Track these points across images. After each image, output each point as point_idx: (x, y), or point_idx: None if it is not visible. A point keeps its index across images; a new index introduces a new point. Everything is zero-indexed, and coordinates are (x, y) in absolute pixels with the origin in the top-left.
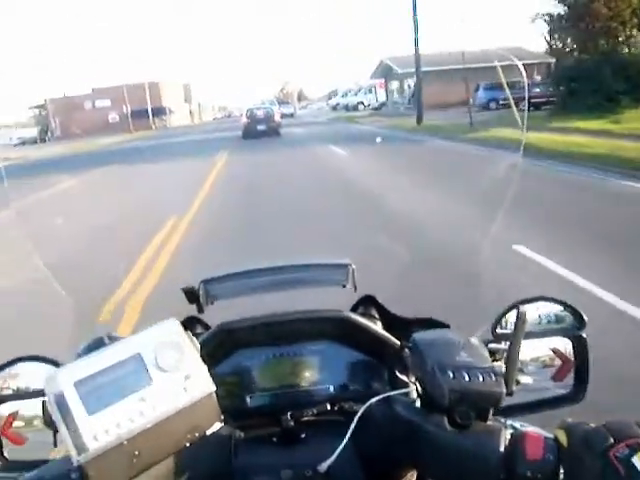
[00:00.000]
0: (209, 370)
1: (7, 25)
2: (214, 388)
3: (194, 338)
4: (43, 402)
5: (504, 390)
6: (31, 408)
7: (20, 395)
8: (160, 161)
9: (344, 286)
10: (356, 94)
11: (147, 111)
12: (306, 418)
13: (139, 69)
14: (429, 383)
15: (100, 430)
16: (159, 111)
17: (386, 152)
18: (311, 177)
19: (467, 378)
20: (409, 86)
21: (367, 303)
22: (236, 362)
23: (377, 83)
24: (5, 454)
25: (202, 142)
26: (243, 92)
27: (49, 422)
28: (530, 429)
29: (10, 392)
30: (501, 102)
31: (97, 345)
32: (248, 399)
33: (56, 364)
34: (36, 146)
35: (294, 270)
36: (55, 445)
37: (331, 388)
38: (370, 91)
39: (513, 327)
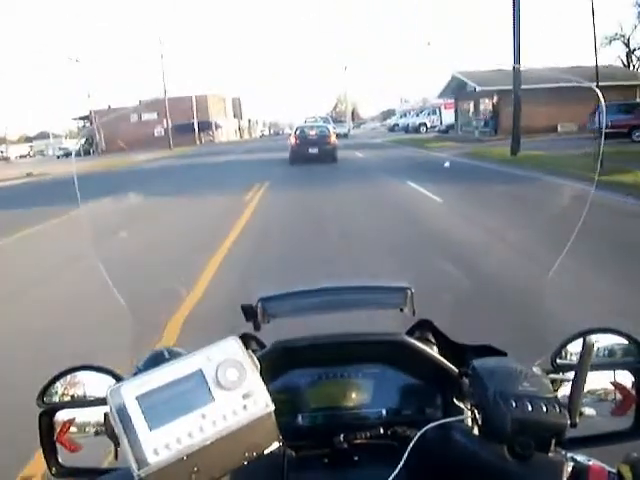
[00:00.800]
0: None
1: (59, 31)
2: (273, 407)
3: (254, 356)
4: (105, 414)
5: (568, 421)
6: (87, 416)
7: (77, 403)
8: (171, 197)
9: (402, 310)
10: (418, 115)
11: (192, 125)
12: (359, 441)
13: (189, 82)
14: (490, 411)
15: (161, 445)
16: (205, 126)
17: (493, 197)
18: (388, 239)
19: (530, 408)
20: (492, 106)
21: (424, 327)
22: (290, 380)
23: (442, 103)
24: (60, 460)
25: (240, 166)
26: (295, 109)
27: (111, 434)
28: (593, 463)
29: (67, 400)
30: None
31: (157, 359)
32: (300, 418)
33: (113, 374)
34: (78, 159)
35: (352, 292)
36: (116, 457)
37: (384, 412)
38: (434, 112)
39: (573, 357)
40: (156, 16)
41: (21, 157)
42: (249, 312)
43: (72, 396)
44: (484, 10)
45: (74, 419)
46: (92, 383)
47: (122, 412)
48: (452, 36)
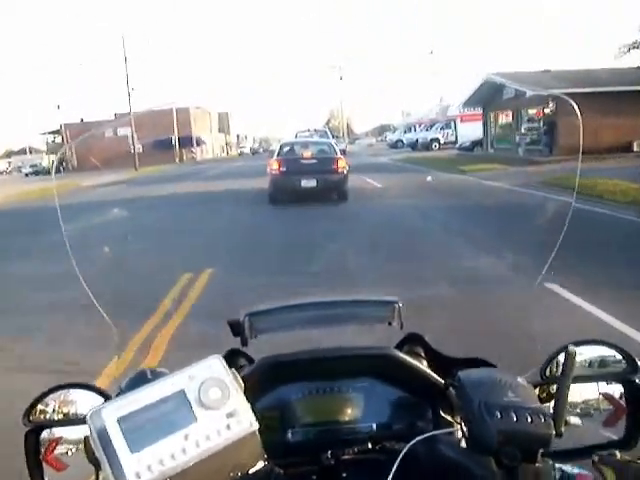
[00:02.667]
0: (251, 404)
1: (22, 39)
2: (257, 426)
3: (238, 375)
4: (85, 437)
5: (553, 431)
6: (74, 435)
7: (63, 422)
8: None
9: (390, 323)
10: (428, 129)
11: (172, 141)
12: (347, 457)
13: (172, 94)
14: (475, 423)
15: (143, 468)
16: (187, 142)
17: None
18: None
19: (515, 418)
20: (545, 116)
21: (413, 341)
22: (278, 396)
23: (457, 115)
24: (46, 479)
25: (184, 209)
26: (285, 124)
27: (92, 458)
28: (579, 471)
29: (54, 418)
30: None
31: (140, 380)
32: (289, 434)
33: (101, 392)
34: (44, 178)
35: (340, 306)
36: None
37: (374, 426)
38: (448, 125)
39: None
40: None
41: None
42: (236, 327)
43: (59, 414)
44: (489, 10)
45: (61, 438)
46: (79, 401)
47: (103, 435)
48: (456, 40)
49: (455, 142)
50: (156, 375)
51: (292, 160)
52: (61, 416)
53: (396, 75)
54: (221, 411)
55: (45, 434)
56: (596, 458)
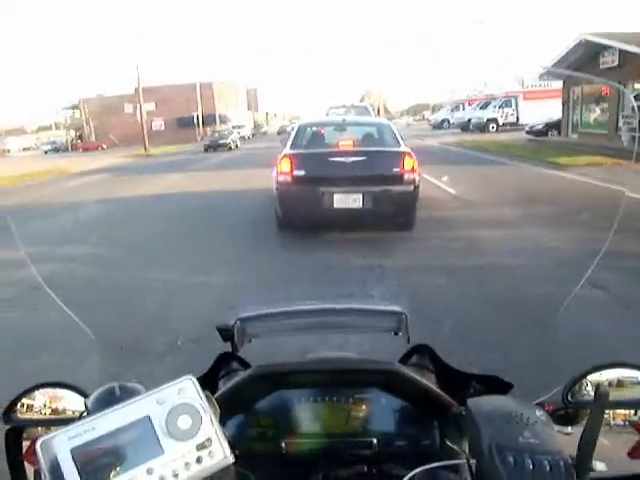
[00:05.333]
0: (244, 411)
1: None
2: (232, 460)
3: (213, 399)
4: (35, 471)
5: None
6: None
7: (45, 421)
8: None
9: (396, 334)
10: (484, 107)
11: (194, 119)
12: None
13: (198, 68)
14: (485, 465)
15: None
16: (210, 119)
17: None
18: None
19: (531, 467)
20: None
21: (421, 353)
22: (275, 402)
23: (520, 92)
24: (29, 478)
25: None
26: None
27: None
28: None
29: (35, 417)
30: None
31: (107, 397)
32: (283, 444)
33: (80, 391)
34: (63, 155)
35: (342, 313)
36: None
37: (374, 441)
38: (508, 104)
39: (589, 394)
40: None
41: (24, 149)
42: (225, 333)
43: (41, 413)
44: None
45: (40, 437)
46: (62, 400)
47: (54, 468)
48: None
49: (515, 124)
50: (126, 392)
51: (317, 157)
52: (44, 414)
53: (440, 47)
54: (191, 442)
55: (27, 433)
56: None
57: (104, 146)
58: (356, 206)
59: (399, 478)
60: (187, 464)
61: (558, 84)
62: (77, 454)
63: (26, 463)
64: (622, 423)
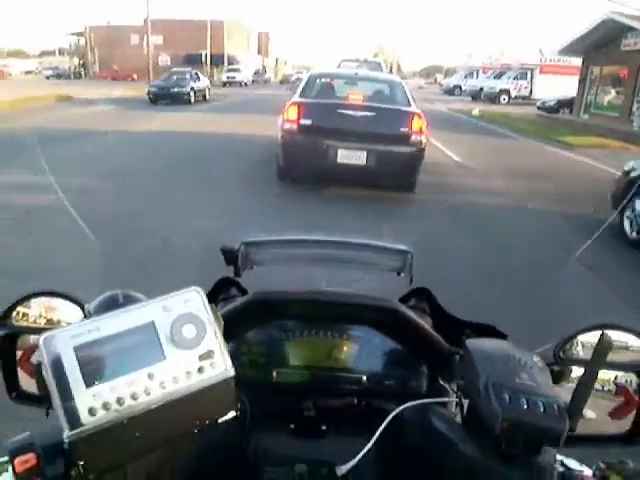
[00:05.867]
0: (239, 337)
1: None
2: (233, 373)
3: (218, 313)
4: (37, 363)
5: (567, 427)
6: None
7: (41, 329)
8: None
9: (399, 274)
10: (498, 77)
11: (202, 57)
12: (331, 408)
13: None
14: (479, 402)
15: (98, 404)
16: (219, 60)
17: None
18: None
19: (525, 405)
20: None
21: (420, 296)
22: (269, 332)
23: (537, 65)
24: (21, 386)
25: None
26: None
27: (42, 385)
28: (586, 472)
29: (32, 325)
30: None
31: (110, 303)
32: (274, 373)
33: (76, 302)
34: (66, 82)
35: (348, 247)
36: (47, 413)
37: (364, 378)
38: (523, 76)
39: (579, 351)
40: None
41: (26, 73)
42: (229, 256)
43: (37, 321)
44: None
45: (36, 346)
46: (59, 310)
47: (56, 364)
48: None
49: (528, 97)
50: (129, 300)
51: (326, 107)
52: (40, 323)
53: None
54: (194, 351)
55: (22, 340)
56: (603, 465)
57: (135, 77)
58: (360, 163)
59: (388, 412)
60: (188, 373)
61: (577, 61)
62: (79, 352)
63: (19, 370)
64: (600, 387)
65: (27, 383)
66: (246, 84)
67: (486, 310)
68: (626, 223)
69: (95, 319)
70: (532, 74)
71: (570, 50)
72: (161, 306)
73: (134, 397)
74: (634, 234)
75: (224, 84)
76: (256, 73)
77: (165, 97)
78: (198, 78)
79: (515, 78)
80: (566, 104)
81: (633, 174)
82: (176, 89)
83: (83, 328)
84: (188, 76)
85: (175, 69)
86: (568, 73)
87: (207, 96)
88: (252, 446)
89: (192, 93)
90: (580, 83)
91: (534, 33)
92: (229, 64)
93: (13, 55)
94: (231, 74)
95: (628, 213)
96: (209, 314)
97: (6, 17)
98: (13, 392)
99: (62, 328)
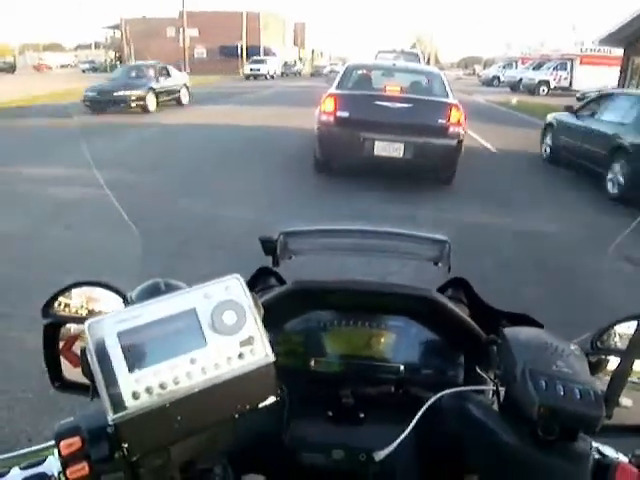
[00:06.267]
0: (277, 326)
1: None
2: (273, 359)
3: (258, 300)
4: (82, 349)
5: (603, 414)
6: None
7: (83, 319)
8: None
9: (436, 264)
10: (537, 68)
11: (237, 49)
12: (368, 397)
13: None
14: (516, 388)
15: (141, 389)
16: (254, 51)
17: None
18: None
19: (562, 392)
20: None
21: (457, 286)
22: (307, 321)
23: (577, 55)
24: (64, 373)
25: None
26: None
27: (86, 371)
28: (621, 460)
29: (74, 314)
30: None
31: (152, 291)
32: (312, 362)
33: (117, 291)
34: (102, 75)
35: (385, 237)
36: (92, 397)
37: (401, 368)
38: (563, 66)
39: (617, 341)
40: None
41: (62, 67)
42: (268, 246)
43: (80, 311)
44: None
45: (79, 334)
46: (101, 300)
47: (100, 348)
48: None
49: (568, 88)
50: (170, 288)
51: (363, 99)
52: (82, 313)
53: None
54: (235, 337)
55: (65, 329)
56: (639, 452)
57: (188, 70)
58: (397, 155)
59: (425, 400)
60: (229, 358)
61: (618, 52)
62: (123, 338)
63: (62, 359)
64: (637, 380)
65: (70, 372)
66: (272, 77)
67: (521, 301)
68: (543, 148)
69: (138, 306)
70: (572, 65)
71: (611, 40)
72: (202, 293)
73: (176, 382)
74: (545, 154)
75: (247, 77)
76: (285, 65)
77: (107, 104)
78: (167, 74)
79: (554, 69)
80: (606, 96)
81: (547, 121)
82: (123, 92)
83: (127, 314)
84: (151, 72)
85: (136, 63)
86: (609, 64)
87: (183, 99)
88: (290, 433)
89: (150, 97)
90: (621, 73)
91: (574, 23)
92: (265, 55)
93: (49, 49)
94: (255, 66)
95: (545, 144)
96: (249, 301)
97: (43, 11)
98: (56, 381)
99: (106, 314)
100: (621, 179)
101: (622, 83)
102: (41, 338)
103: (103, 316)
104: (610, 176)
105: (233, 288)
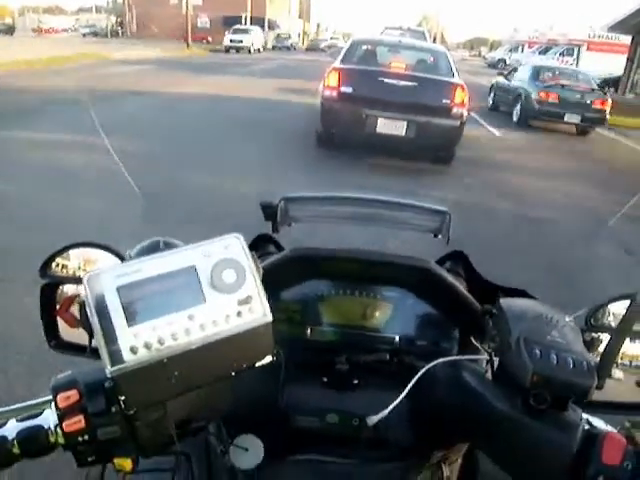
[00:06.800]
0: (274, 294)
1: None
2: (271, 318)
3: (257, 260)
4: (81, 302)
5: (595, 383)
6: None
7: (78, 279)
8: None
9: (436, 235)
10: (543, 52)
11: (241, 20)
12: (363, 363)
13: None
14: (510, 357)
15: (140, 343)
16: (259, 23)
17: None
18: None
19: (555, 361)
20: None
21: (456, 259)
22: (304, 290)
23: (584, 41)
24: (60, 334)
25: None
26: (371, 21)
27: (85, 324)
28: (610, 430)
29: (72, 275)
30: None
31: (151, 249)
32: (308, 330)
33: (115, 253)
34: (103, 41)
35: (386, 206)
36: (89, 350)
37: (397, 338)
38: (569, 52)
39: (611, 320)
40: None
41: (63, 30)
42: (269, 211)
43: (77, 272)
44: None
45: (77, 295)
46: (99, 261)
47: (99, 302)
48: None
49: None
50: (169, 247)
51: (367, 74)
52: (80, 274)
53: None
54: (233, 296)
55: (61, 290)
56: (628, 424)
57: (209, 39)
58: (399, 133)
59: (419, 368)
60: (227, 316)
61: (627, 39)
62: (122, 292)
63: (59, 319)
64: (628, 362)
65: (66, 332)
66: (259, 50)
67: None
68: (488, 101)
69: (137, 261)
70: (579, 51)
71: (620, 27)
72: (202, 251)
73: (174, 337)
74: (489, 105)
75: (226, 50)
76: (278, 37)
77: None
78: None
79: (561, 54)
80: (611, 83)
81: (491, 83)
82: None
83: (126, 269)
84: None
85: None
86: (616, 51)
87: None
88: (285, 397)
89: None
90: (628, 61)
91: (585, 8)
92: (269, 28)
93: (49, 12)
94: (236, 36)
95: (490, 98)
96: (249, 260)
97: None
98: (52, 340)
99: (106, 268)
100: (519, 113)
101: (628, 71)
102: (38, 300)
103: (102, 270)
104: (514, 111)
105: (233, 247)
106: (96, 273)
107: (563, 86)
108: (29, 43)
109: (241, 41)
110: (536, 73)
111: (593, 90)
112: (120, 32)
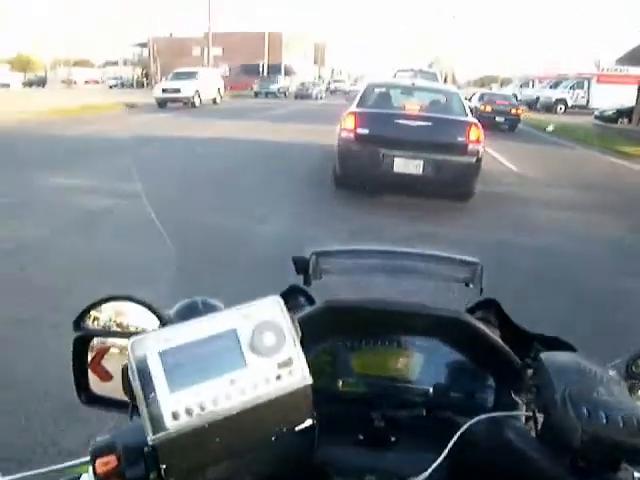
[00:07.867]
0: (307, 347)
1: None
2: (311, 381)
3: (296, 322)
4: (123, 367)
5: None
6: (122, 348)
7: (114, 333)
8: None
9: (467, 285)
10: (554, 86)
11: (259, 67)
12: (399, 420)
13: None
14: (557, 416)
15: (181, 409)
16: (275, 69)
17: None
18: None
19: (605, 420)
20: None
21: (488, 308)
22: (336, 342)
23: (594, 75)
24: (91, 387)
25: None
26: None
27: (128, 389)
28: None
29: (105, 328)
30: None
31: (190, 310)
32: (340, 383)
33: (154, 311)
34: (129, 91)
35: (416, 258)
36: (131, 416)
37: (430, 390)
38: (580, 85)
39: None
40: None
41: (86, 83)
42: (301, 265)
43: (111, 325)
44: None
45: (109, 349)
46: (133, 316)
47: (142, 367)
48: None
49: (585, 107)
50: (208, 307)
51: (383, 117)
52: (113, 327)
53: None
54: (273, 359)
55: (94, 343)
56: None
57: (254, 86)
58: (416, 172)
59: (457, 424)
60: (267, 379)
61: (636, 70)
62: (164, 357)
63: (90, 372)
64: None
65: (97, 386)
66: (215, 101)
67: (550, 323)
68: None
69: (180, 325)
70: (589, 83)
71: (629, 59)
72: (242, 314)
73: (215, 402)
74: None
75: (159, 104)
76: (262, 80)
77: None
78: None
79: (572, 88)
80: (625, 113)
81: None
82: None
83: (168, 333)
84: None
85: None
86: (626, 82)
87: None
88: (321, 456)
89: None
90: (639, 92)
91: (590, 44)
92: (286, 74)
93: (79, 64)
94: (172, 85)
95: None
96: (288, 322)
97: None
98: (83, 394)
99: (149, 332)
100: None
101: None
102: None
103: (145, 334)
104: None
105: (272, 309)
106: (140, 338)
107: (495, 102)
108: (66, 95)
109: (178, 91)
110: (481, 96)
111: (511, 103)
112: (145, 83)
